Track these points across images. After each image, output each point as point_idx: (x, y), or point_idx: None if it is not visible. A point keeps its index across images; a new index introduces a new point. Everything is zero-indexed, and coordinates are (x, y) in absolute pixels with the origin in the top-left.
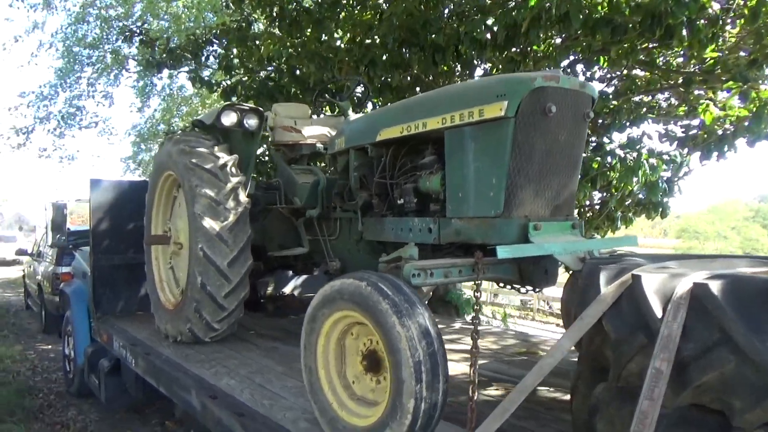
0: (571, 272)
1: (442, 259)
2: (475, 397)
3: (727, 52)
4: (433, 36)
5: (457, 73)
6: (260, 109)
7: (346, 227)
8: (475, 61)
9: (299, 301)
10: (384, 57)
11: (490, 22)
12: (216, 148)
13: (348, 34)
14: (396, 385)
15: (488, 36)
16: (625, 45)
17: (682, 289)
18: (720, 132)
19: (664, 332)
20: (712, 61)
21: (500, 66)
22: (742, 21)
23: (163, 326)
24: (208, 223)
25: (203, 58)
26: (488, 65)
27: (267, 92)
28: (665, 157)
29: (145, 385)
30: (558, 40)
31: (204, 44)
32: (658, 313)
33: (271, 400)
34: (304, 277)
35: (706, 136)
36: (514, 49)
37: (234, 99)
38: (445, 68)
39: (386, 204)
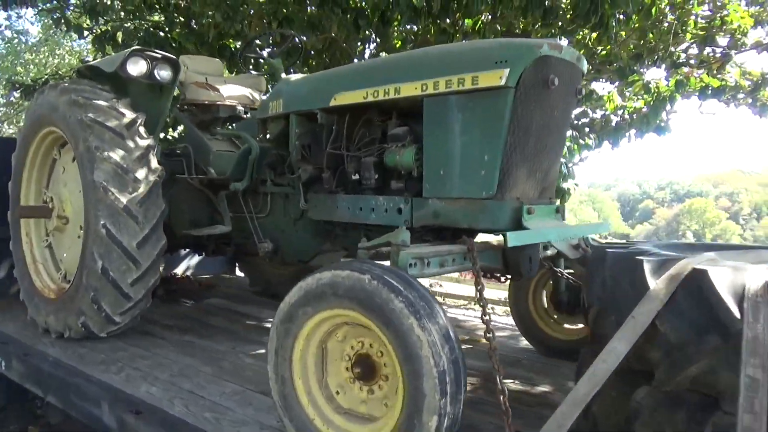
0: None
1: (436, 245)
2: (507, 403)
3: (618, 47)
4: None
5: (375, 41)
6: (175, 58)
7: (280, 204)
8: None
9: (197, 284)
10: (300, 15)
11: None
12: (118, 103)
13: None
14: (414, 399)
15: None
16: (553, 30)
17: (755, 285)
18: (615, 122)
19: (748, 335)
20: (604, 52)
21: (428, 36)
22: (635, 17)
23: (41, 319)
24: (113, 194)
25: None
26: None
27: (155, 43)
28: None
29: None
30: (488, 16)
31: None
32: (736, 313)
33: (214, 412)
34: (196, 256)
35: (603, 124)
36: (447, 21)
37: (108, 49)
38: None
39: (336, 179)
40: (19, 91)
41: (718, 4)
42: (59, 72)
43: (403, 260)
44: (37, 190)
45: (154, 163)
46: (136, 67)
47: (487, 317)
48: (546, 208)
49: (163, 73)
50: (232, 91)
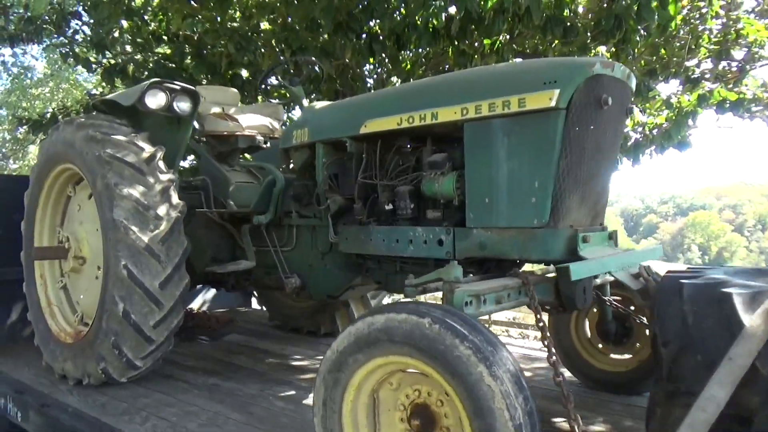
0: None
1: (488, 280)
2: None
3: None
4: (375, 22)
5: (386, 66)
6: (194, 89)
7: (307, 237)
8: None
9: (214, 319)
10: (313, 42)
11: (452, 10)
12: (137, 137)
13: (270, 15)
14: None
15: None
16: (571, 48)
17: None
18: (635, 138)
19: None
20: None
21: (446, 58)
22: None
23: (58, 365)
24: (134, 233)
25: (70, 32)
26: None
27: (166, 74)
28: None
29: None
30: (506, 37)
31: (71, 15)
32: None
33: None
34: (212, 290)
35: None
36: (466, 42)
37: (117, 81)
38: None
39: (368, 210)
40: (26, 126)
41: (732, 17)
42: (66, 106)
43: (458, 299)
44: (51, 229)
45: (175, 198)
46: (155, 100)
47: (554, 358)
48: (600, 235)
49: (183, 105)
50: (251, 121)
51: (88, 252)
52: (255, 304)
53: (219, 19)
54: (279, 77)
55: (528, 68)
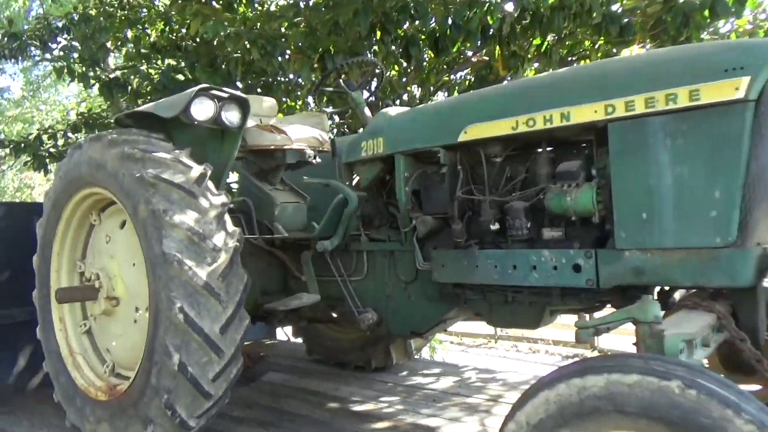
0: None
1: (685, 317)
2: None
3: None
4: (415, 22)
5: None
6: (245, 97)
7: (382, 263)
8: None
9: (245, 355)
10: (342, 45)
11: (509, 7)
12: (181, 154)
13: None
14: None
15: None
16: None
17: None
18: None
19: None
20: None
21: (492, 61)
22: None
23: (89, 426)
24: (189, 269)
25: (59, 47)
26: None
27: (175, 86)
28: None
29: None
30: (554, 38)
31: (59, 30)
32: None
33: None
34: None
35: None
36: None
37: (118, 95)
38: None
39: (466, 231)
40: (8, 148)
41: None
42: (51, 126)
43: (672, 347)
44: (70, 263)
45: (230, 224)
46: (203, 110)
47: None
48: None
49: (231, 116)
50: (299, 133)
51: (123, 291)
52: (281, 334)
53: (243, 21)
54: (341, 82)
55: (699, 53)
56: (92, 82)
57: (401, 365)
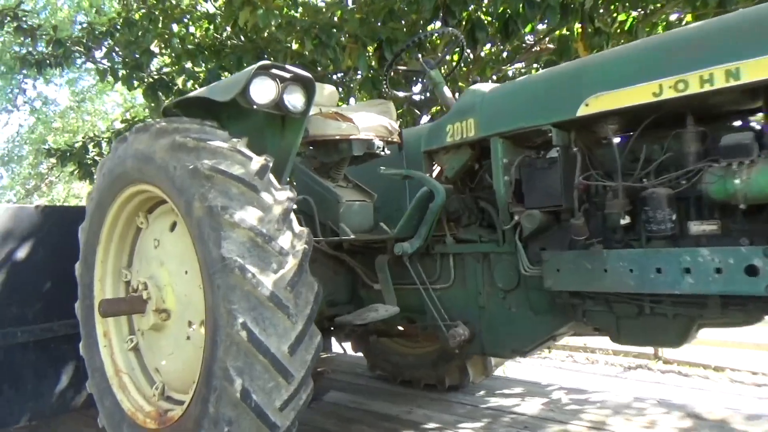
0: None
1: None
2: None
3: None
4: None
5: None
6: (310, 77)
7: (473, 269)
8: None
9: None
10: (399, 32)
11: None
12: (239, 143)
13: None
14: None
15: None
16: None
17: None
18: None
19: None
20: None
21: (572, 42)
22: None
23: None
24: (254, 276)
25: (104, 52)
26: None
27: None
28: None
29: None
30: (641, 13)
31: (102, 35)
32: None
33: None
34: None
35: None
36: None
37: (162, 97)
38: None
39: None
40: (55, 157)
41: None
42: (95, 134)
43: None
44: (115, 272)
45: (296, 224)
46: (264, 91)
47: None
48: None
49: (294, 99)
50: (367, 121)
51: (174, 303)
52: (335, 346)
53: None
54: (419, 58)
55: None
56: (136, 84)
57: (477, 384)
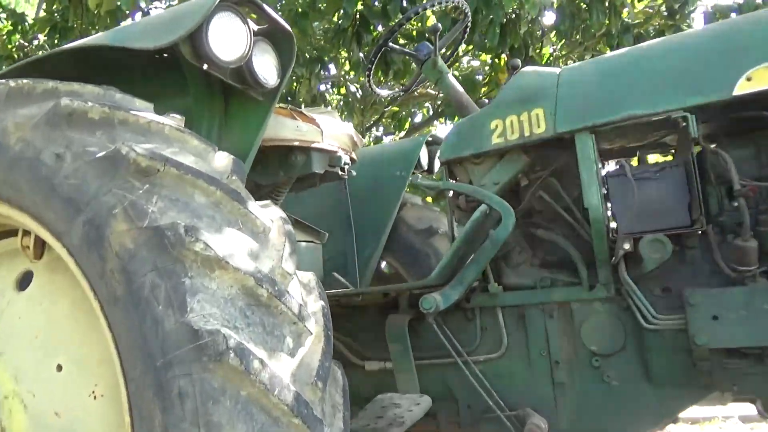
0: None
1: None
2: None
3: None
4: None
5: None
6: (290, 31)
7: (538, 327)
8: None
9: None
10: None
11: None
12: (182, 122)
13: None
14: None
15: None
16: None
17: None
18: None
19: None
20: None
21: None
22: None
23: None
24: (262, 366)
25: None
26: None
27: None
28: None
29: None
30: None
31: None
32: None
33: None
34: None
35: None
36: None
37: None
38: None
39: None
40: None
41: None
42: None
43: None
44: None
45: (291, 265)
46: (228, 39)
47: None
48: None
49: (266, 64)
50: (331, 127)
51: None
52: None
53: None
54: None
55: None
56: None
57: None
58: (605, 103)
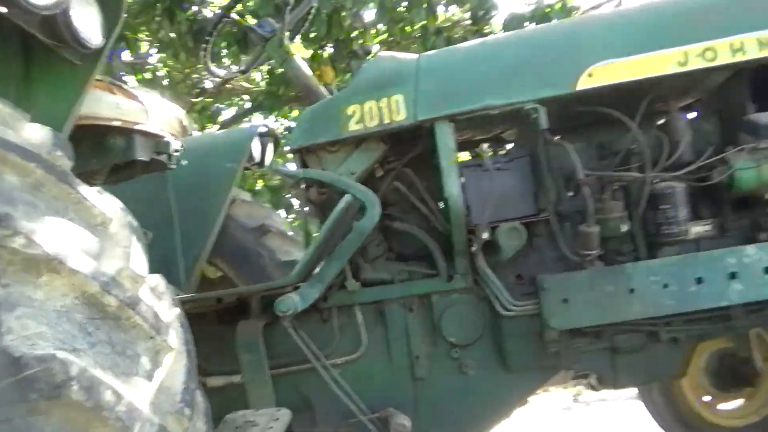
0: None
1: None
2: None
3: None
4: None
5: None
6: None
7: (398, 323)
8: None
9: None
10: None
11: None
12: None
13: None
14: None
15: None
16: None
17: None
18: None
19: None
20: None
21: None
22: None
23: None
24: (116, 398)
25: None
26: None
27: None
28: None
29: None
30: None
31: None
32: None
33: None
34: None
35: None
36: None
37: None
38: None
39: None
40: None
41: None
42: None
43: None
44: None
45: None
46: None
47: None
48: None
49: (88, 19)
50: (157, 107)
51: None
52: None
53: None
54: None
55: None
56: None
57: None
58: (465, 92)
